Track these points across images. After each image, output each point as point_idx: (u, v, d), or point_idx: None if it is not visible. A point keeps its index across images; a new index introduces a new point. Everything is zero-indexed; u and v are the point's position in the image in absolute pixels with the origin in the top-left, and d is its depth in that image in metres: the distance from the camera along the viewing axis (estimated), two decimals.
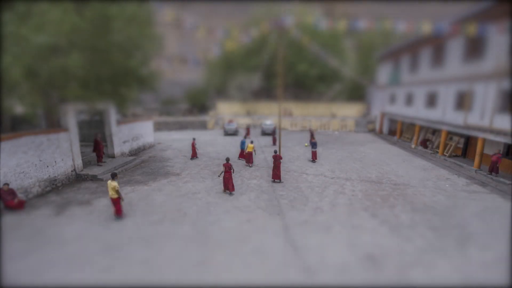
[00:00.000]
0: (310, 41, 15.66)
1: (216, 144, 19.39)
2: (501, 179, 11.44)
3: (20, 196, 8.69)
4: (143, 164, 14.10)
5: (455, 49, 15.45)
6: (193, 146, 15.14)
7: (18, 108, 9.25)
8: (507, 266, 5.81)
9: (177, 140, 21.08)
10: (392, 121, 25.04)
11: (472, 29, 10.00)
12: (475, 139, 14.53)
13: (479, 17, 12.55)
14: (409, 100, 21.04)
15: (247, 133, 22.21)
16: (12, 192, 8.36)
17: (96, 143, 12.84)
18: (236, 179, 11.54)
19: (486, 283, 5.36)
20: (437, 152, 16.80)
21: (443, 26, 10.13)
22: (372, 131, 27.67)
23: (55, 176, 10.49)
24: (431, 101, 17.91)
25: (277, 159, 11.12)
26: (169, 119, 28.97)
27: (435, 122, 17.05)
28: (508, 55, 11.89)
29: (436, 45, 17.27)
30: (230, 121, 25.99)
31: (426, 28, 9.81)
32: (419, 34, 16.92)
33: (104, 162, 13.11)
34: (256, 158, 15.22)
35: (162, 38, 12.44)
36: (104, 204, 8.85)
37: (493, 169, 12.10)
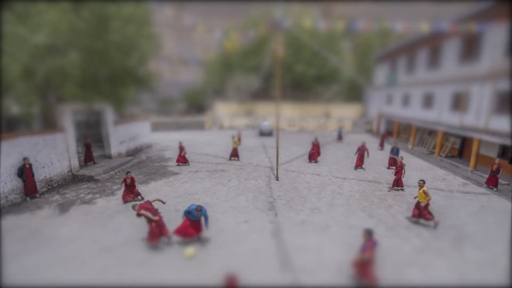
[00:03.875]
0: (309, 40, 15.68)
1: (214, 145, 19.37)
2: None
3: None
4: (140, 164, 14.04)
5: (451, 50, 15.59)
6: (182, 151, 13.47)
7: (14, 108, 9.18)
8: (503, 266, 5.87)
9: (174, 141, 21.02)
10: (389, 122, 25.19)
11: (471, 27, 10.08)
12: (471, 139, 14.67)
13: (479, 17, 12.65)
14: (405, 101, 21.19)
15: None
16: None
17: (87, 146, 12.91)
18: (233, 180, 11.54)
19: (482, 282, 5.41)
20: (434, 152, 16.94)
21: (441, 25, 10.17)
22: (369, 131, 27.81)
23: (51, 177, 10.40)
24: (428, 102, 18.05)
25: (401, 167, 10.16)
26: (166, 119, 28.90)
27: (432, 123, 17.18)
28: (503, 56, 12.02)
29: (432, 46, 17.42)
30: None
31: (424, 27, 9.82)
32: (417, 32, 17.05)
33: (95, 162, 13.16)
34: (255, 159, 15.22)
35: (160, 38, 12.43)
36: (100, 205, 8.80)
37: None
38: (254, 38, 11.00)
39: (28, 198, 9.21)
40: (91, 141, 13.22)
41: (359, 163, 13.46)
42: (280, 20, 9.86)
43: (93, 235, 6.94)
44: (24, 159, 9.12)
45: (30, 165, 9.24)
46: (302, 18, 23.55)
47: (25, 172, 8.98)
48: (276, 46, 10.05)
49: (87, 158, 12.91)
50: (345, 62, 33.32)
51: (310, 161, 14.61)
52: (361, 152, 13.60)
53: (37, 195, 9.51)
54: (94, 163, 13.03)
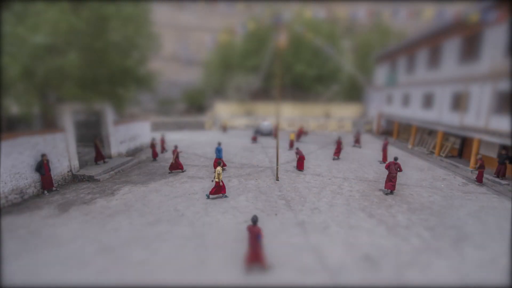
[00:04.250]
0: (312, 37, 15.69)
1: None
2: (497, 179, 11.55)
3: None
4: (140, 164, 14.03)
5: (451, 50, 15.59)
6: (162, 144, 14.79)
7: (14, 108, 9.17)
8: (503, 266, 5.87)
9: (174, 141, 21.01)
10: (389, 122, 25.19)
11: (475, 17, 10.06)
12: (471, 139, 14.66)
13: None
14: (405, 101, 21.19)
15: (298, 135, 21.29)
16: None
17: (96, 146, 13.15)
18: (233, 180, 11.54)
19: (482, 282, 5.41)
20: (434, 152, 16.93)
21: (444, 14, 10.08)
22: (369, 131, 27.81)
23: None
24: (428, 102, 18.05)
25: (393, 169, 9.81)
26: (166, 119, 28.91)
27: (432, 123, 17.18)
28: (503, 56, 12.02)
29: (432, 46, 17.41)
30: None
31: (428, 13, 9.73)
32: (418, 32, 17.02)
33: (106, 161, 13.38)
34: (255, 159, 15.21)
35: (159, 37, 12.42)
36: (100, 205, 8.79)
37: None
38: (252, 33, 11.04)
39: (46, 191, 9.84)
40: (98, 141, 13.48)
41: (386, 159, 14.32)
42: (280, 16, 9.84)
43: (93, 235, 6.94)
44: (43, 155, 9.79)
45: (48, 160, 9.89)
46: (302, 13, 23.53)
47: (43, 167, 9.66)
48: (278, 40, 9.95)
49: (98, 157, 13.10)
50: (345, 61, 33.30)
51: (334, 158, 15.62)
52: (385, 148, 14.65)
53: (53, 188, 10.10)
54: (98, 162, 13.13)
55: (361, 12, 9.86)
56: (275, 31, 10.04)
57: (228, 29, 10.23)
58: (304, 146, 19.18)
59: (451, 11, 12.76)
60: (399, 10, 9.73)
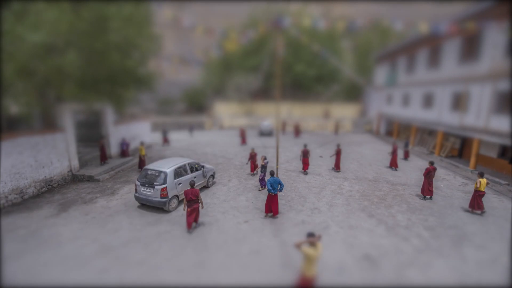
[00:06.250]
0: (309, 40, 15.68)
1: (214, 145, 19.37)
2: (497, 179, 11.55)
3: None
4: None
5: (451, 50, 15.58)
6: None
7: (13, 108, 9.17)
8: (503, 266, 5.87)
9: (174, 141, 21.03)
10: (389, 122, 25.19)
11: (472, 25, 10.02)
12: (471, 139, 14.66)
13: (478, 17, 12.64)
14: (405, 101, 21.18)
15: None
16: None
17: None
18: (233, 180, 11.54)
19: (482, 282, 5.40)
20: (434, 152, 16.94)
21: (440, 26, 10.07)
22: (369, 131, 27.81)
23: (51, 177, 10.40)
24: (428, 102, 18.05)
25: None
26: (166, 119, 28.92)
27: (432, 123, 17.18)
28: (503, 56, 12.01)
29: (432, 46, 17.41)
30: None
31: (423, 27, 9.77)
32: (417, 33, 17.01)
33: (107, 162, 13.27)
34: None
35: (160, 38, 12.41)
36: (100, 205, 8.79)
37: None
38: (254, 38, 10.92)
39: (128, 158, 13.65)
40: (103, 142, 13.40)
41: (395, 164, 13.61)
42: (279, 19, 9.82)
43: (93, 235, 6.94)
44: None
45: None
46: (301, 17, 23.54)
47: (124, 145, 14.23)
48: (276, 47, 10.01)
49: (102, 158, 13.09)
50: (345, 62, 33.35)
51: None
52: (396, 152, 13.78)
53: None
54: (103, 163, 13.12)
55: (360, 20, 9.88)
56: (275, 34, 10.01)
57: (231, 31, 10.20)
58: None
59: (448, 20, 12.72)
60: (396, 20, 9.77)
